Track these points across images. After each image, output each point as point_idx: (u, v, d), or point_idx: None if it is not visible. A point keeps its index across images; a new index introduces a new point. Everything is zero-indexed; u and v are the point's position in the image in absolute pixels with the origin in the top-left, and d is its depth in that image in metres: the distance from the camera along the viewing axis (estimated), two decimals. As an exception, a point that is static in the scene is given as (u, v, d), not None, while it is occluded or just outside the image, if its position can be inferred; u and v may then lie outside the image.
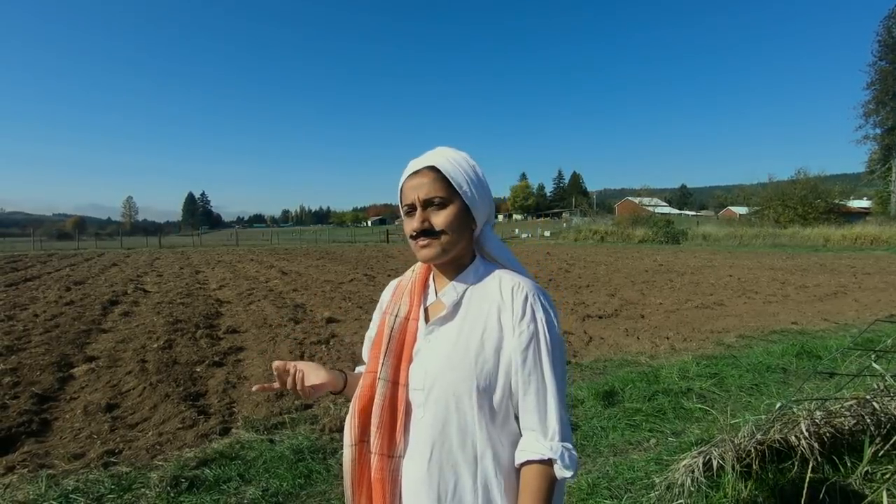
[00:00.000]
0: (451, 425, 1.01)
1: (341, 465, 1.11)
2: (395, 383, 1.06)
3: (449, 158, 1.05)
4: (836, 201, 35.94)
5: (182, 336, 6.34)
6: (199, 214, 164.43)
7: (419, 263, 1.16)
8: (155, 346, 5.82)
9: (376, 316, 1.21)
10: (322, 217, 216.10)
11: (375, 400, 1.05)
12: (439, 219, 1.03)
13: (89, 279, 13.13)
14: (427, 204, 1.03)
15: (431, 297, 1.12)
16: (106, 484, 2.80)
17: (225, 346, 5.95)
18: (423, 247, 1.04)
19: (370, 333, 1.21)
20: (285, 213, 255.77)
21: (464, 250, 1.09)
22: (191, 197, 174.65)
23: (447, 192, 1.03)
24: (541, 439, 0.98)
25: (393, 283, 1.23)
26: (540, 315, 1.01)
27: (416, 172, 1.05)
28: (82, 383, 4.66)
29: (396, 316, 1.10)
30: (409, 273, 1.20)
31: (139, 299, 9.66)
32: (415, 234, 1.03)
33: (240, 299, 9.60)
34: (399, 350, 1.08)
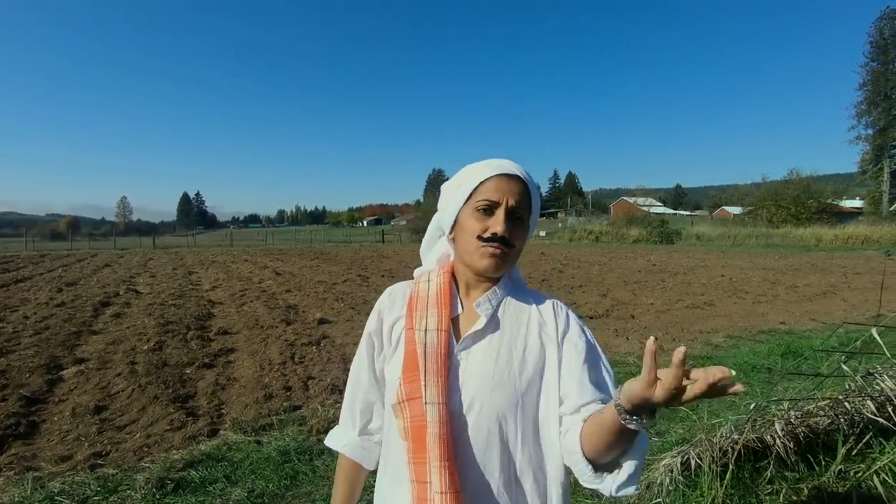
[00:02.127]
0: (493, 448, 0.93)
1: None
2: (443, 404, 0.92)
3: (530, 177, 1.03)
4: (829, 201, 36.29)
5: (173, 337, 6.34)
6: (193, 214, 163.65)
7: (435, 273, 1.07)
8: (145, 347, 5.83)
9: (372, 337, 1.08)
10: (318, 217, 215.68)
11: (429, 429, 0.90)
12: (517, 233, 0.99)
13: (81, 280, 13.08)
14: (512, 214, 0.98)
15: (457, 308, 1.03)
16: (92, 486, 2.81)
17: (216, 348, 5.96)
18: (494, 256, 0.96)
19: (364, 359, 1.09)
20: (281, 213, 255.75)
21: None
22: (185, 197, 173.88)
23: (528, 210, 1.01)
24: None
25: (396, 296, 1.09)
26: (586, 329, 1.04)
27: (509, 175, 0.98)
28: (71, 385, 4.66)
29: (426, 330, 0.97)
30: (422, 284, 1.06)
31: (131, 300, 9.64)
32: (491, 237, 0.95)
33: (232, 300, 9.60)
34: (439, 367, 0.94)
